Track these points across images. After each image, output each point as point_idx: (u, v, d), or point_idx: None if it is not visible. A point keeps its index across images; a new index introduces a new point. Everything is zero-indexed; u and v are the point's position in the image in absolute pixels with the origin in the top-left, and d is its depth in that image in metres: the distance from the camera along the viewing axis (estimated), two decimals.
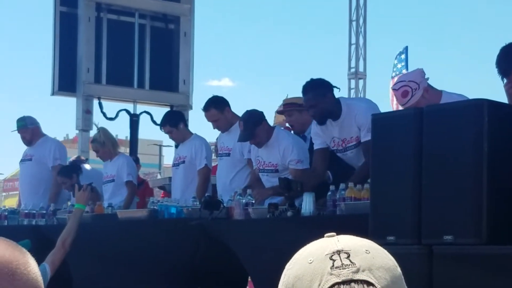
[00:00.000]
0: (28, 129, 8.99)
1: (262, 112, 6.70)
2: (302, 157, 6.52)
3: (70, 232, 5.70)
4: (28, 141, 9.07)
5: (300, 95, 6.29)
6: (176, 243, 6.50)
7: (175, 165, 7.87)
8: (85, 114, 10.54)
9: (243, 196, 6.16)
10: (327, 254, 1.22)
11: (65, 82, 10.61)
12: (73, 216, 5.97)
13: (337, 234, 1.28)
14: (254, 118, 6.58)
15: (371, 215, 4.74)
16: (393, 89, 5.56)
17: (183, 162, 7.74)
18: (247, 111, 6.75)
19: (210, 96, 7.40)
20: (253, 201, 6.17)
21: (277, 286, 1.31)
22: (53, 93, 10.76)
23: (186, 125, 7.98)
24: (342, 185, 5.62)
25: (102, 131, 8.71)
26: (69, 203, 8.43)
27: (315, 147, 6.34)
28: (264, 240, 5.90)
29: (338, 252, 1.22)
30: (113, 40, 10.86)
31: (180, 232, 6.47)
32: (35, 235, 7.42)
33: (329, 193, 5.66)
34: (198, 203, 6.65)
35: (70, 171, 8.77)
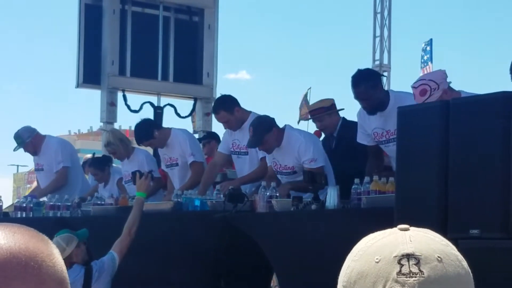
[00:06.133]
0: (28, 143, 8.86)
1: (273, 119, 6.60)
2: (316, 155, 6.43)
3: (135, 220, 5.99)
4: (33, 152, 9.00)
5: (320, 95, 6.24)
6: (200, 236, 6.50)
7: (168, 166, 7.81)
8: (109, 107, 10.56)
9: (267, 189, 6.14)
10: (395, 256, 1.16)
11: (90, 74, 10.63)
12: (136, 205, 6.17)
13: (410, 226, 1.22)
14: (263, 125, 6.49)
15: (396, 209, 4.71)
16: (412, 87, 5.47)
17: (177, 164, 7.72)
18: (258, 117, 6.70)
19: (230, 89, 7.38)
20: (277, 194, 6.15)
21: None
22: (77, 86, 10.79)
23: (160, 127, 7.90)
24: (366, 178, 5.58)
25: (112, 133, 8.63)
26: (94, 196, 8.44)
27: (362, 142, 6.30)
28: (288, 233, 5.88)
29: (408, 256, 1.15)
30: (138, 33, 10.87)
31: (204, 224, 6.46)
32: (60, 227, 7.45)
33: (354, 186, 5.63)
34: (222, 195, 6.65)
35: (103, 164, 8.80)
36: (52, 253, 1.09)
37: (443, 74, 5.43)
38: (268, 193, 6.10)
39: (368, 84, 5.97)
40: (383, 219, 4.69)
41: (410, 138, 4.72)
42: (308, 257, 5.63)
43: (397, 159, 4.84)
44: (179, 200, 6.93)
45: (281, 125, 6.66)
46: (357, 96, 6.06)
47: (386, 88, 21.07)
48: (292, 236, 5.84)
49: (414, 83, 5.50)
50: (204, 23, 11.13)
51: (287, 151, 6.52)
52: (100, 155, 9.57)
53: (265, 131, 6.46)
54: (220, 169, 7.70)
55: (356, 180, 5.66)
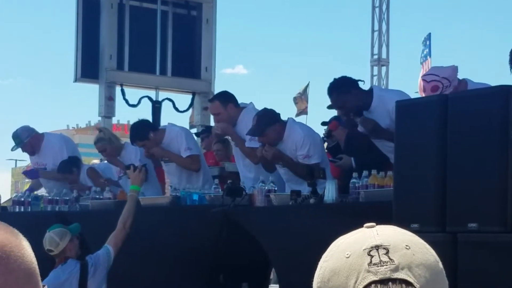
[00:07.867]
0: (26, 143, 8.76)
1: (278, 114, 6.64)
2: (311, 152, 6.43)
3: (130, 214, 5.97)
4: (32, 152, 8.90)
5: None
6: (199, 230, 6.50)
7: (166, 161, 7.78)
8: (108, 101, 10.55)
9: (266, 183, 6.15)
10: (365, 249, 1.18)
11: (88, 68, 10.62)
12: (130, 198, 6.16)
13: (376, 224, 1.24)
14: (268, 117, 6.52)
15: (394, 203, 4.71)
16: (423, 79, 5.50)
17: None
18: (264, 108, 6.72)
19: (227, 83, 7.43)
20: (275, 188, 6.16)
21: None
22: (75, 80, 10.78)
23: (156, 129, 7.82)
24: (365, 172, 5.58)
25: (103, 130, 8.55)
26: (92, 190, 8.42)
27: None
28: (286, 227, 5.88)
29: (377, 247, 1.18)
30: (136, 27, 10.85)
31: (202, 219, 6.47)
32: (58, 221, 7.44)
33: (352, 180, 5.63)
34: (220, 190, 6.65)
35: (69, 165, 8.60)
36: (21, 244, 1.11)
37: (455, 70, 5.47)
38: (266, 187, 6.10)
39: (339, 92, 6.03)
40: (381, 213, 4.70)
41: (408, 132, 4.72)
42: (306, 251, 5.63)
43: (395, 153, 4.84)
44: (177, 194, 6.93)
45: None
46: (333, 105, 6.14)
47: (385, 82, 21.00)
48: (290, 230, 5.84)
49: (425, 75, 5.50)
50: (202, 17, 11.11)
51: (287, 143, 6.55)
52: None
53: (268, 124, 6.48)
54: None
55: (355, 174, 5.66)
